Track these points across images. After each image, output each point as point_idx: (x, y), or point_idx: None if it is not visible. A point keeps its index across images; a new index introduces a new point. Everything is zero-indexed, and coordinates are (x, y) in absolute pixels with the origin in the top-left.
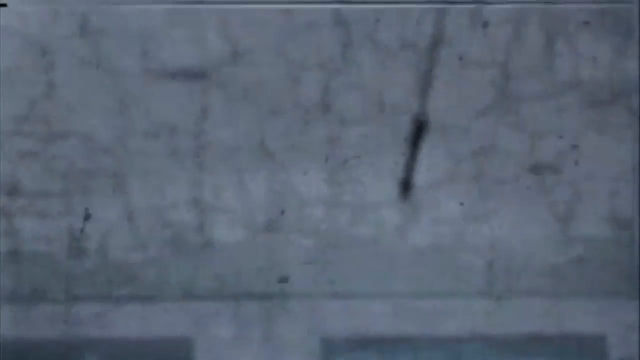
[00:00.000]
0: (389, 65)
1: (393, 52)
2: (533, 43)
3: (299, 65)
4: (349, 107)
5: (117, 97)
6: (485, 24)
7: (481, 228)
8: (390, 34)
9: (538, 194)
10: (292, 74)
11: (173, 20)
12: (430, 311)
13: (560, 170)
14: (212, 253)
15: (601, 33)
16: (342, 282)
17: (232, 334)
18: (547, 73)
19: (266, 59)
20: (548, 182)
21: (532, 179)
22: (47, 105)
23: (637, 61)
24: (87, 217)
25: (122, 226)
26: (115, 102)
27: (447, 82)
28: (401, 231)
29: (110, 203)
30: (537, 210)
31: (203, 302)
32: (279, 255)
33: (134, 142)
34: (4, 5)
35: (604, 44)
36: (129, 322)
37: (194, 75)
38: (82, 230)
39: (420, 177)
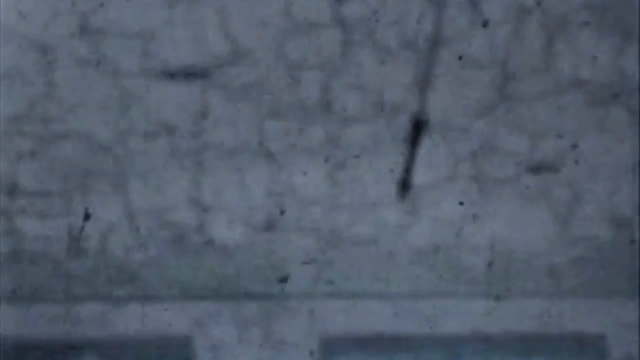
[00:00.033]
0: (389, 65)
1: (393, 52)
2: (533, 43)
3: (299, 65)
4: (349, 107)
5: (117, 97)
6: (485, 23)
7: (481, 228)
8: (390, 34)
9: (538, 194)
10: (292, 74)
11: (173, 20)
12: (430, 311)
13: (560, 170)
14: (212, 253)
15: (601, 33)
16: (342, 282)
17: (232, 334)
18: (547, 73)
19: (266, 59)
20: (548, 182)
21: (532, 179)
22: (46, 105)
23: (637, 61)
24: (87, 217)
25: (122, 226)
26: (115, 102)
27: (447, 82)
28: (401, 231)
29: (110, 203)
30: (537, 210)
31: (203, 302)
32: (279, 255)
33: (134, 142)
34: None
35: (604, 44)
36: (129, 322)
37: (194, 75)
38: (82, 230)
39: (420, 177)
